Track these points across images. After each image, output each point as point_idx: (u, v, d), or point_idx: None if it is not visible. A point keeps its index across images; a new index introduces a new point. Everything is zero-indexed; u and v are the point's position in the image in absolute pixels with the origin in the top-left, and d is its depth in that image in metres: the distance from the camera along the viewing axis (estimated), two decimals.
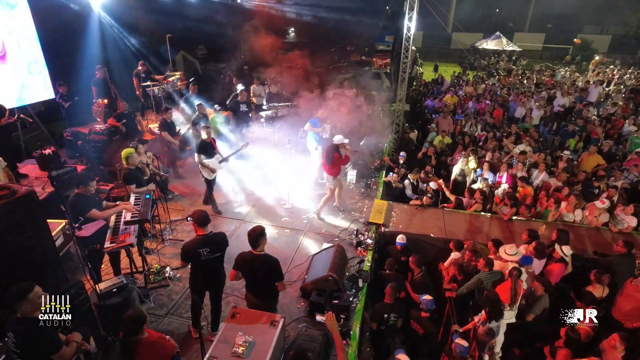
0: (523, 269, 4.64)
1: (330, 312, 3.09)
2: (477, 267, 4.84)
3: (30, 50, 7.79)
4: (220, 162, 6.42)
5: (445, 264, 5.39)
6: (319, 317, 3.86)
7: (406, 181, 7.61)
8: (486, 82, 17.09)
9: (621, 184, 7.28)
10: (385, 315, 4.44)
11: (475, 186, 7.22)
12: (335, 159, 6.23)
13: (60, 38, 8.71)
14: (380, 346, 4.75)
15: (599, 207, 6.31)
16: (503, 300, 4.26)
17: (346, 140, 6.30)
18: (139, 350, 2.85)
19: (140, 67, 9.88)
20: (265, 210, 6.89)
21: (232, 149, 6.99)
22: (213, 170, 6.32)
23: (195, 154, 6.20)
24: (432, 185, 7.23)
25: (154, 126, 9.15)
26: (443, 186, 7.36)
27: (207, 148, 6.19)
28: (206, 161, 6.21)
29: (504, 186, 7.17)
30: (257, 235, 3.55)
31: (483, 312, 4.21)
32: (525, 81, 17.66)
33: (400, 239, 5.66)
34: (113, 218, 4.58)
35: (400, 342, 4.70)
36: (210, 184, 6.48)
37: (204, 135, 6.17)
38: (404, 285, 5.13)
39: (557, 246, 5.05)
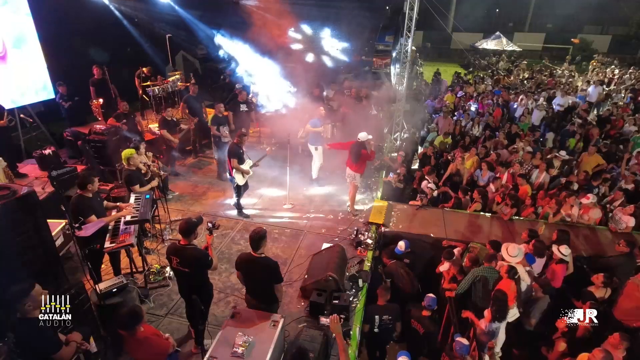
0: (520, 267, 4.62)
1: (334, 315, 3.08)
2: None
3: (30, 50, 7.79)
4: (251, 166, 6.43)
5: (440, 268, 5.36)
6: (322, 320, 3.86)
7: (425, 182, 7.53)
8: (485, 82, 17.09)
9: (632, 188, 7.12)
10: (377, 317, 4.35)
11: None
12: (362, 156, 6.29)
13: (60, 38, 8.70)
14: (375, 349, 4.66)
15: (585, 203, 6.31)
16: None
17: (370, 136, 6.33)
18: (133, 345, 2.88)
19: (144, 69, 9.91)
20: (266, 210, 6.90)
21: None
22: (246, 173, 6.31)
23: (229, 160, 6.17)
24: (431, 186, 7.21)
25: (154, 126, 9.16)
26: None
27: (239, 153, 6.19)
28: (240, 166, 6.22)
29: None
30: (258, 238, 3.52)
31: (487, 311, 4.19)
32: (525, 81, 17.64)
33: (399, 246, 5.37)
34: None
35: (397, 340, 4.69)
36: (241, 190, 6.48)
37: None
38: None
39: (554, 247, 5.03)
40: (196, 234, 3.66)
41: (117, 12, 10.60)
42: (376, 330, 4.39)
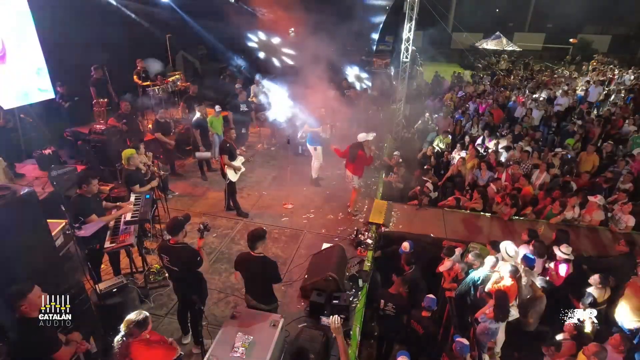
0: (520, 267, 4.62)
1: (335, 316, 3.07)
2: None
3: (30, 49, 7.76)
4: (243, 162, 6.42)
5: (440, 268, 5.35)
6: (323, 320, 3.86)
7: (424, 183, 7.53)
8: (484, 82, 17.08)
9: (629, 187, 7.10)
10: (382, 301, 4.34)
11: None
12: (359, 157, 6.13)
13: (60, 37, 8.69)
14: (381, 337, 4.71)
15: (592, 201, 6.30)
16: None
17: (370, 137, 6.15)
18: (138, 352, 2.84)
19: (138, 66, 9.88)
20: (266, 210, 6.90)
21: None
22: (237, 169, 6.28)
23: (220, 156, 6.16)
24: (430, 186, 7.21)
25: None
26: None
27: (231, 150, 6.17)
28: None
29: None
30: (255, 238, 3.52)
31: (489, 310, 4.18)
32: (525, 81, 17.63)
33: (404, 247, 5.34)
34: None
35: (400, 341, 4.68)
36: (234, 187, 6.45)
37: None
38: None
39: (554, 248, 5.02)
40: (185, 232, 3.60)
41: (117, 12, 10.58)
42: (381, 313, 4.40)
